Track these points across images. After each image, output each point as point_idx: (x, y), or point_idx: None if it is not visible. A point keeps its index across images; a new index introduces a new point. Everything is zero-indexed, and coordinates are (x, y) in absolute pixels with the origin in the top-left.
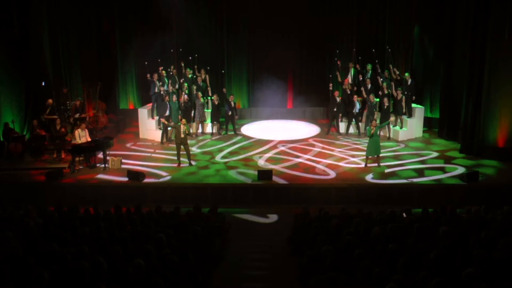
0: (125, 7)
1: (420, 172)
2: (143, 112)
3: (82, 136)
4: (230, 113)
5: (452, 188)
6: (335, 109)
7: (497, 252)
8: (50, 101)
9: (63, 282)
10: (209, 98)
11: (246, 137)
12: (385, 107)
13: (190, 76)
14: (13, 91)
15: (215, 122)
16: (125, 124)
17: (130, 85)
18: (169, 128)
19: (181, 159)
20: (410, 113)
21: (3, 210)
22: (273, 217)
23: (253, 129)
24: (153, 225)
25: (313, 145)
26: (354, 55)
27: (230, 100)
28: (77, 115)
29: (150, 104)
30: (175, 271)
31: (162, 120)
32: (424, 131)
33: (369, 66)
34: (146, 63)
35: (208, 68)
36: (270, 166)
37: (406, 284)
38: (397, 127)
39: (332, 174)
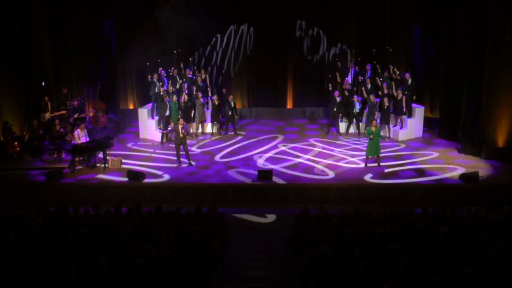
0: (125, 7)
1: (420, 172)
2: (143, 112)
3: (81, 136)
4: (230, 113)
5: (452, 188)
6: (335, 109)
7: (497, 252)
8: (47, 98)
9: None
10: (209, 98)
11: (246, 137)
12: (385, 107)
13: (190, 76)
14: (13, 91)
15: (215, 122)
16: (125, 124)
17: (130, 85)
18: (169, 128)
19: (181, 159)
20: (410, 113)
21: (3, 210)
22: (272, 217)
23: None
24: (153, 225)
25: (313, 145)
26: (354, 55)
27: (230, 100)
28: (76, 115)
29: (150, 104)
30: (175, 271)
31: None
32: (424, 131)
33: (369, 66)
34: (147, 63)
35: (208, 68)
36: (270, 166)
37: (406, 284)
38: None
39: (332, 174)
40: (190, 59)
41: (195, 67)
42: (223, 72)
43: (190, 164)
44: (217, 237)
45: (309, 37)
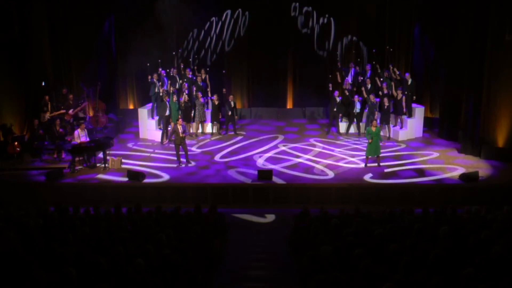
0: (125, 6)
1: (420, 172)
2: (143, 112)
3: (82, 136)
4: (230, 113)
5: (452, 188)
6: (335, 109)
7: (497, 252)
8: (47, 98)
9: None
10: (209, 98)
11: (246, 137)
12: (385, 107)
13: (190, 76)
14: (13, 91)
15: (215, 122)
16: (125, 124)
17: (130, 85)
18: (169, 128)
19: (181, 159)
20: (410, 113)
21: (3, 210)
22: (272, 217)
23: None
24: (153, 225)
25: (314, 145)
26: (354, 55)
27: (230, 100)
28: (71, 111)
29: (150, 104)
30: (175, 271)
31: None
32: (424, 131)
33: (369, 66)
34: (148, 64)
35: (208, 68)
36: (270, 166)
37: (406, 284)
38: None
39: (332, 174)
40: (190, 59)
41: (195, 67)
42: (223, 72)
43: (188, 162)
44: (217, 237)
45: (309, 37)
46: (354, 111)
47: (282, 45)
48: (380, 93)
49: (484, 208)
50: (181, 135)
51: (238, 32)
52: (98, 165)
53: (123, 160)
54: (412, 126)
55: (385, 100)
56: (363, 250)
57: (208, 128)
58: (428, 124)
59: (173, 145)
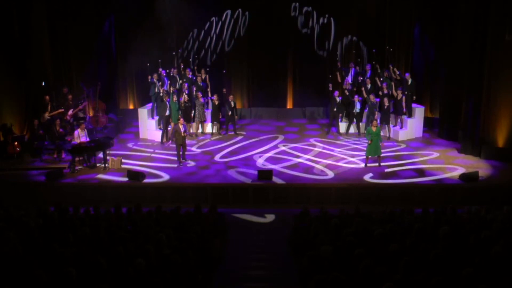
0: (125, 6)
1: (420, 172)
2: (143, 112)
3: (82, 136)
4: (230, 113)
5: (452, 188)
6: (335, 109)
7: (497, 252)
8: (48, 97)
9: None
10: (209, 98)
11: (246, 137)
12: (385, 107)
13: (190, 76)
14: (13, 91)
15: (215, 122)
16: (125, 124)
17: (130, 85)
18: (169, 128)
19: (181, 159)
20: (410, 113)
21: (3, 210)
22: (272, 217)
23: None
24: (153, 225)
25: (314, 145)
26: (354, 55)
27: (230, 100)
28: (71, 111)
29: (150, 104)
30: (175, 271)
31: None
32: (424, 131)
33: (368, 66)
34: (148, 64)
35: (208, 68)
36: (270, 166)
37: (406, 284)
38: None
39: (332, 174)
40: (190, 59)
41: (195, 67)
42: (223, 72)
43: (184, 159)
44: (217, 237)
45: (309, 37)
46: (354, 111)
47: (282, 45)
48: (380, 93)
49: (484, 208)
50: (183, 134)
51: (238, 32)
52: (98, 165)
53: (123, 160)
54: (412, 126)
55: (385, 100)
56: (363, 250)
57: (208, 128)
58: (428, 124)
59: (173, 145)
